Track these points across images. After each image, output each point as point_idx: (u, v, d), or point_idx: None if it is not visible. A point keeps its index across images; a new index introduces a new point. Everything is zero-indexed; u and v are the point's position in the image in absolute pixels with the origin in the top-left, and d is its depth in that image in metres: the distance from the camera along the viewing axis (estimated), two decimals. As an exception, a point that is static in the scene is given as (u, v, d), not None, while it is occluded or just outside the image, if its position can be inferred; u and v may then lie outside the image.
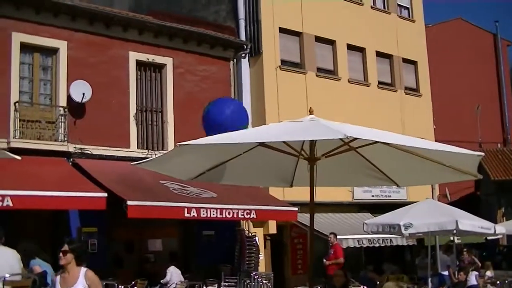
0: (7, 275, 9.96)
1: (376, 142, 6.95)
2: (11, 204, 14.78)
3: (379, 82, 27.16)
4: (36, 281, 10.55)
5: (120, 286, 17.87)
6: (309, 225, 8.96)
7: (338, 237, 19.59)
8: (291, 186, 9.33)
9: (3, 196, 14.69)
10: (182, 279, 18.61)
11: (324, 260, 18.86)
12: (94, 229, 18.77)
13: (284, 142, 7.53)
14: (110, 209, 16.17)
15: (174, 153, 7.47)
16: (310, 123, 7.15)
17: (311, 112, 7.48)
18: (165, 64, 21.44)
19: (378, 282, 18.76)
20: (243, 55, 23.18)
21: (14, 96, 18.16)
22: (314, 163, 7.80)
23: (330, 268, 18.31)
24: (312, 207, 8.17)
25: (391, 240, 23.17)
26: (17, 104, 18.07)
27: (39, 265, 11.25)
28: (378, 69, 27.24)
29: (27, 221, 17.12)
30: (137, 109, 20.59)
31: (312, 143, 7.69)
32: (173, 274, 18.59)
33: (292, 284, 18.45)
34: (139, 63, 20.92)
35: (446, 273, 19.60)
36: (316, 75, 24.82)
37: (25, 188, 15.36)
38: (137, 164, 7.96)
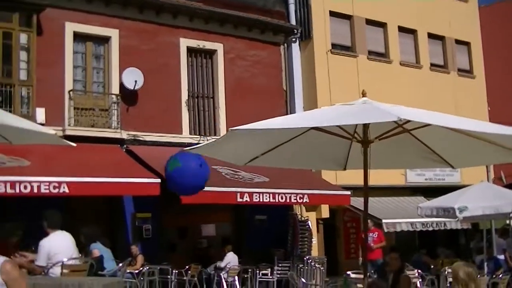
0: (65, 259, 10.15)
1: (430, 124, 6.87)
2: (67, 191, 15.04)
3: (432, 64, 26.80)
4: (93, 265, 10.74)
5: (174, 271, 18.09)
6: (362, 209, 8.92)
7: (391, 221, 19.50)
8: (345, 169, 9.29)
9: (60, 183, 14.94)
10: (237, 264, 18.73)
11: (372, 244, 18.77)
12: (148, 215, 19.01)
13: (337, 125, 7.50)
14: (164, 195, 16.32)
15: (226, 138, 7.47)
16: (363, 106, 7.10)
17: (363, 94, 7.42)
18: (216, 50, 21.49)
19: (432, 266, 18.59)
20: (294, 39, 23.10)
21: (68, 85, 18.44)
22: (367, 146, 7.76)
23: (376, 252, 18.26)
24: (366, 190, 8.13)
25: (445, 224, 22.93)
26: (71, 92, 18.34)
27: (98, 249, 11.46)
28: (430, 51, 26.88)
29: (83, 208, 17.39)
30: (188, 95, 20.70)
31: (365, 125, 7.64)
32: (231, 259, 18.72)
33: (345, 268, 18.35)
34: (190, 50, 21.01)
35: (502, 257, 19.27)
36: (368, 58, 24.61)
37: (81, 175, 15.61)
38: (190, 149, 8.01)
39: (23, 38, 17.81)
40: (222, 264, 18.59)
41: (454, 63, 27.70)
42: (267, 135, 7.96)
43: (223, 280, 18.20)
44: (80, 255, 11.07)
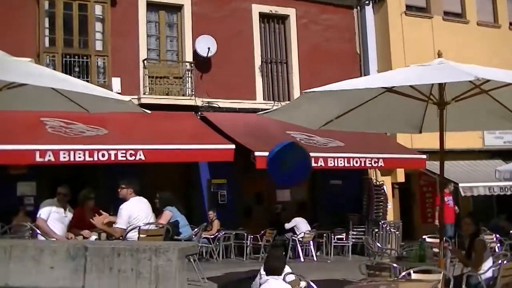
0: (141, 224, 10.36)
1: (510, 84, 6.68)
2: (143, 158, 15.30)
3: (511, 23, 25.96)
4: (169, 230, 10.91)
5: (249, 236, 18.27)
6: (438, 173, 8.78)
7: (468, 184, 19.20)
8: (420, 132, 9.17)
9: (136, 151, 15.21)
10: (309, 228, 18.77)
11: (456, 208, 18.48)
12: (223, 181, 19.21)
13: (412, 87, 7.36)
14: (239, 160, 16.42)
15: (300, 102, 7.47)
16: (439, 66, 6.96)
17: (439, 55, 7.27)
18: (288, 15, 21.34)
19: (510, 231, 18.21)
20: (367, 2, 22.72)
21: (143, 54, 18.65)
22: (443, 107, 7.63)
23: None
24: (442, 153, 8.00)
25: (524, 188, 22.36)
26: (145, 61, 18.56)
27: (172, 212, 11.63)
28: (509, 9, 26.01)
29: (159, 174, 17.66)
30: (262, 61, 20.67)
31: (441, 87, 7.50)
32: (299, 223, 18.78)
33: (421, 233, 18.13)
34: (262, 15, 20.92)
35: None
36: (443, 19, 24.01)
37: (156, 142, 15.85)
38: (264, 114, 8.03)
39: (98, 9, 18.12)
40: (288, 226, 18.69)
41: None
42: (341, 99, 7.90)
43: (298, 245, 18.29)
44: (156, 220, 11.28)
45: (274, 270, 7.78)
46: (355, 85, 7.05)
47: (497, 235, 16.42)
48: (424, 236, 14.75)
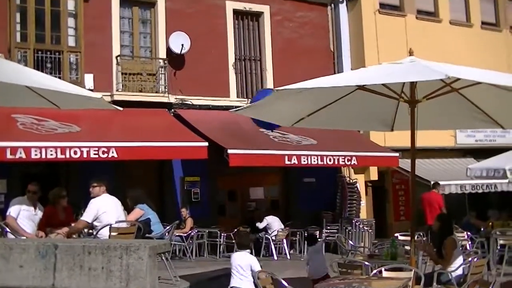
0: (113, 222, 10.31)
1: (480, 82, 6.72)
2: (116, 155, 15.20)
3: (483, 23, 26.15)
4: (141, 228, 10.87)
5: (223, 234, 18.24)
6: (410, 171, 8.83)
7: (440, 183, 19.31)
8: (392, 130, 9.21)
9: (108, 148, 15.11)
10: (282, 227, 18.79)
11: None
12: (196, 178, 19.18)
13: (383, 85, 7.39)
14: (212, 158, 16.40)
15: (272, 99, 7.45)
16: (411, 64, 7.00)
17: (411, 53, 7.31)
18: (262, 12, 21.32)
19: (482, 229, 18.37)
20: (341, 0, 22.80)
21: (116, 50, 18.54)
22: (415, 105, 7.67)
23: None
24: (413, 151, 8.04)
25: (495, 186, 22.51)
26: (118, 58, 18.44)
27: (143, 210, 11.59)
28: (481, 8, 26.22)
29: (132, 172, 17.61)
30: (235, 58, 20.64)
31: (413, 85, 7.53)
32: (271, 222, 18.80)
33: (394, 231, 18.28)
34: (236, 12, 20.89)
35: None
36: (416, 18, 24.14)
37: (129, 139, 15.76)
38: (236, 111, 8.02)
39: (70, 4, 17.96)
40: (261, 226, 18.71)
41: (506, 21, 26.97)
42: (313, 96, 7.90)
43: (272, 243, 18.30)
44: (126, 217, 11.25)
45: (240, 245, 10.13)
46: (327, 83, 7.06)
47: (469, 233, 16.57)
48: (396, 234, 14.84)
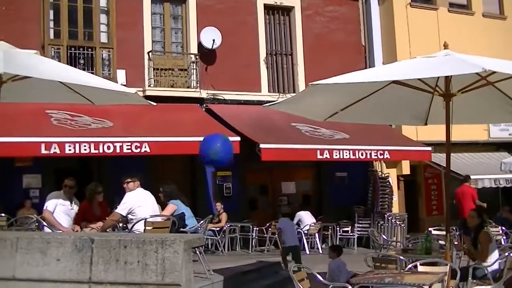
0: (148, 216, 10.36)
1: (516, 75, 6.64)
2: (148, 150, 15.32)
3: (517, 15, 25.84)
4: (175, 223, 10.90)
5: (255, 228, 18.26)
6: (444, 165, 8.76)
7: (474, 177, 19.08)
8: (425, 124, 9.14)
9: (141, 143, 15.22)
10: (314, 221, 18.76)
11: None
12: (228, 173, 19.20)
13: (418, 78, 7.33)
14: (244, 152, 16.38)
15: (306, 94, 7.45)
16: (445, 58, 6.93)
17: (445, 46, 7.23)
18: (293, 7, 21.29)
19: (515, 223, 18.16)
20: (372, -6, 22.68)
21: (148, 46, 18.64)
22: (449, 99, 7.59)
23: None
24: (449, 145, 7.97)
25: (530, 180, 22.28)
26: (150, 53, 18.54)
27: (176, 205, 11.62)
28: (515, 0, 25.89)
29: (164, 167, 17.68)
30: (267, 53, 20.63)
31: (448, 78, 7.46)
32: (303, 217, 18.76)
33: (426, 225, 18.13)
34: (267, 7, 20.88)
35: None
36: (448, 11, 23.93)
37: (162, 135, 15.85)
38: (269, 105, 8.01)
39: (102, 1, 18.17)
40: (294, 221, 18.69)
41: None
42: (346, 91, 7.87)
43: (304, 237, 18.27)
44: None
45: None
46: (362, 78, 7.03)
47: (503, 228, 16.39)
48: (430, 229, 14.73)
